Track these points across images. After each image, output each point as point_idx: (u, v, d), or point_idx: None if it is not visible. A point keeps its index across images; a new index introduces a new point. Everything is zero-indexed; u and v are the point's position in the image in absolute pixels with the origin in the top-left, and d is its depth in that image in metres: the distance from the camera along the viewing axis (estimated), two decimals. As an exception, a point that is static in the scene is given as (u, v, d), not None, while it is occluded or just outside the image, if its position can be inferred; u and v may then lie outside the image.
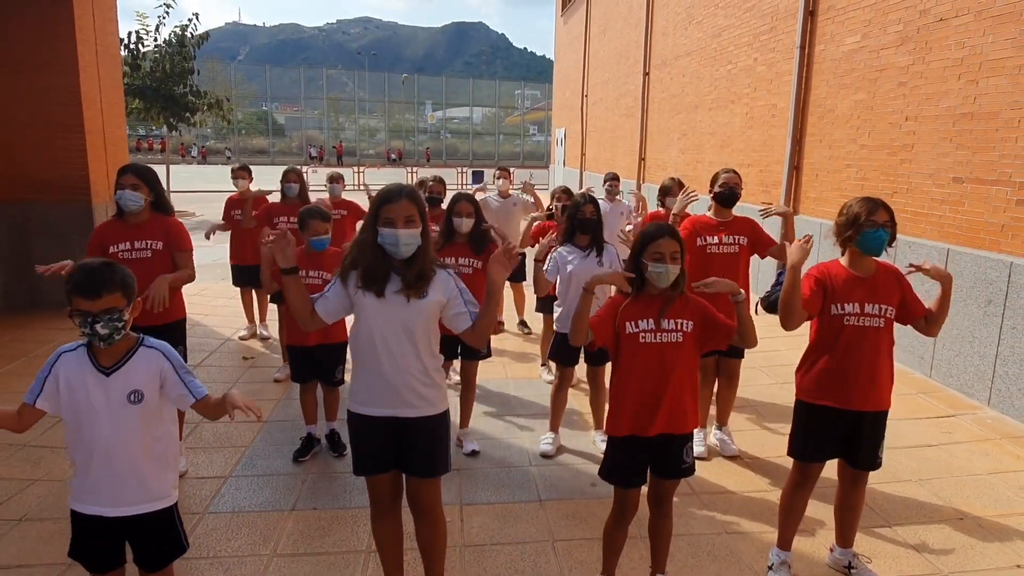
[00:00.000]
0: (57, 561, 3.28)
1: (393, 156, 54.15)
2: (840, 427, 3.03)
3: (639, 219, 6.31)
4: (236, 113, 30.20)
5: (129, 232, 3.87)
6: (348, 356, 3.03)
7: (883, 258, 3.05)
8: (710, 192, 4.54)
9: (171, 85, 17.40)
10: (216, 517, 3.72)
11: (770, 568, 3.23)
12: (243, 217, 6.18)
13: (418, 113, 61.63)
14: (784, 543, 3.24)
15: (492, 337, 6.85)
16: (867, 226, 2.93)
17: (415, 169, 35.52)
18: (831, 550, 3.35)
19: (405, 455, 2.72)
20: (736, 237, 4.41)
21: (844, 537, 3.27)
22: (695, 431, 4.58)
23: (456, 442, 4.55)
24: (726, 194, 4.45)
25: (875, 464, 3.10)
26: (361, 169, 31.92)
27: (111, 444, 2.22)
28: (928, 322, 3.04)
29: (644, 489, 2.97)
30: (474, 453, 4.52)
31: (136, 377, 2.24)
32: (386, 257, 2.62)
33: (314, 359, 4.36)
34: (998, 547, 3.54)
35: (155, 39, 17.29)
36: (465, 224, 4.48)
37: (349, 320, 2.79)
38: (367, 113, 61.43)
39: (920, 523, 3.76)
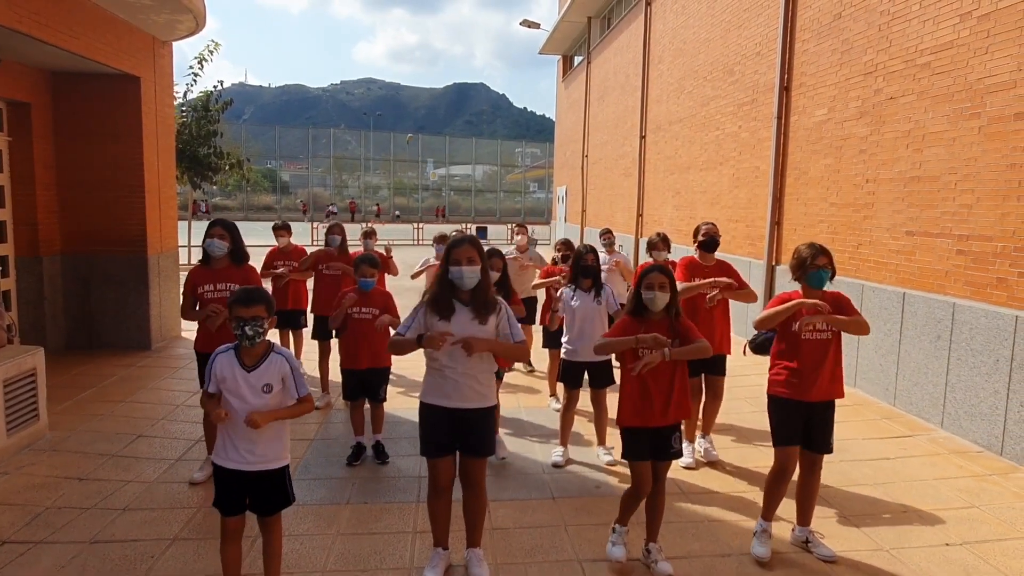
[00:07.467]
0: (161, 537, 4.06)
1: (398, 213, 55.47)
2: (799, 415, 3.85)
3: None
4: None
5: (213, 276, 4.76)
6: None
7: (828, 287, 3.93)
8: (695, 242, 5.46)
9: (196, 146, 18.56)
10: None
11: (754, 534, 4.01)
12: (300, 267, 7.12)
13: (420, 171, 63.34)
14: (768, 515, 4.01)
15: (505, 376, 7.70)
16: (811, 268, 3.85)
17: (421, 224, 36.75)
18: (792, 530, 4.12)
19: (464, 439, 3.53)
20: (716, 278, 5.32)
21: (803, 516, 4.05)
22: (684, 444, 5.38)
23: None
24: (708, 242, 5.42)
25: (827, 447, 3.91)
26: (369, 225, 33.05)
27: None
28: None
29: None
30: (503, 460, 5.30)
31: (268, 374, 3.10)
32: (454, 290, 3.46)
33: (364, 380, 5.18)
34: (932, 530, 4.30)
35: (182, 104, 18.53)
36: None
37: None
38: (371, 171, 63.13)
39: (869, 513, 4.53)
